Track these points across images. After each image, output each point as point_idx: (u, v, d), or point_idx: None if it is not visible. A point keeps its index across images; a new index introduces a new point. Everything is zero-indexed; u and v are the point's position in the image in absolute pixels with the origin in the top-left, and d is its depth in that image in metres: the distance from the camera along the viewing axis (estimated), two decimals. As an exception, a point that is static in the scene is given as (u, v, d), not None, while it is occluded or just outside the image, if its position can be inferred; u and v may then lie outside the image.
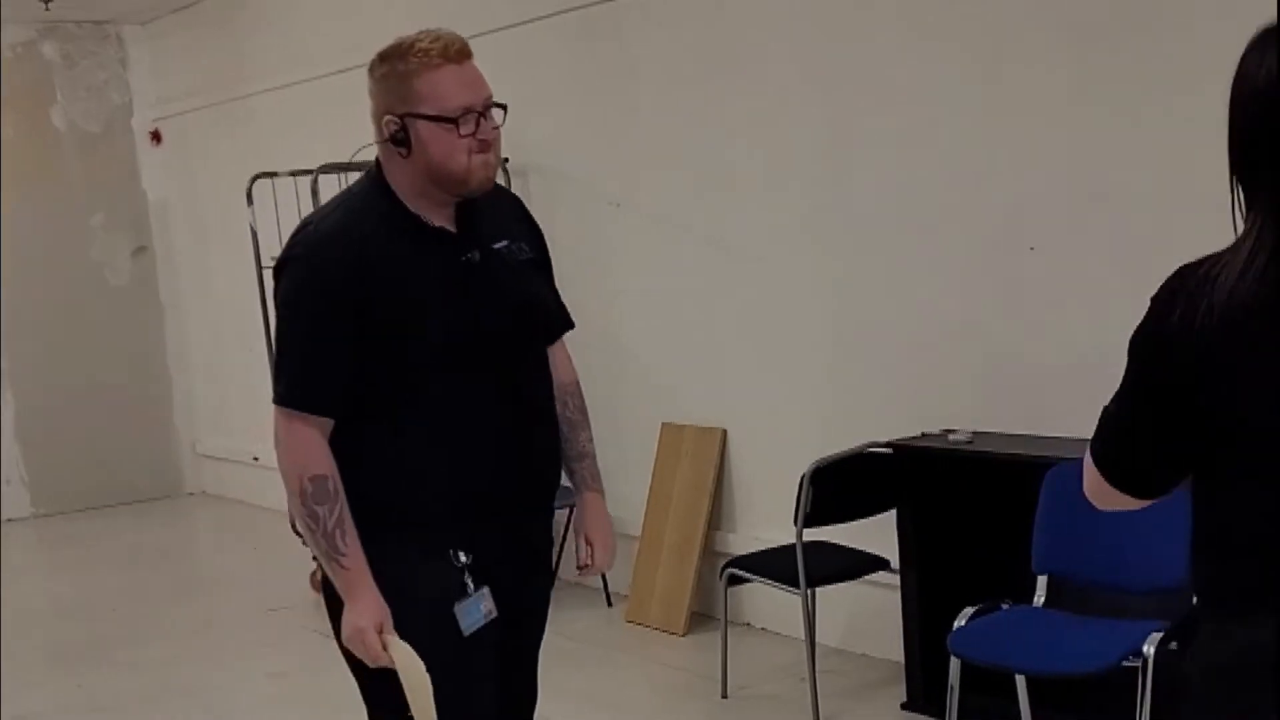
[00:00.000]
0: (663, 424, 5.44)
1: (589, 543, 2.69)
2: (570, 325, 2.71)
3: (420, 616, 2.39)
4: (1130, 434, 1.69)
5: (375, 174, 2.47)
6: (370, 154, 2.53)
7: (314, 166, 5.77)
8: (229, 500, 8.63)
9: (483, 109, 2.39)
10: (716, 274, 5.21)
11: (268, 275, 6.00)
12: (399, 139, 2.38)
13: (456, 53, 2.37)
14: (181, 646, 5.61)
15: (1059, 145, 4.07)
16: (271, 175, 6.21)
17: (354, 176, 4.79)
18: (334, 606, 2.43)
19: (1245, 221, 1.64)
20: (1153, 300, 1.65)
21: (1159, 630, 3.28)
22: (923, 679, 4.21)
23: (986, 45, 4.21)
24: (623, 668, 5.01)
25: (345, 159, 5.76)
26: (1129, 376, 1.68)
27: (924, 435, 4.28)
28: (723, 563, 4.56)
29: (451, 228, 2.46)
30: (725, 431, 5.28)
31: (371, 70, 2.42)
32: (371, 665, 2.36)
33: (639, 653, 5.13)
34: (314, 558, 6.02)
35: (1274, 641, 1.61)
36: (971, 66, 4.26)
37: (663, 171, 5.39)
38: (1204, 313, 1.57)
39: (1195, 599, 1.72)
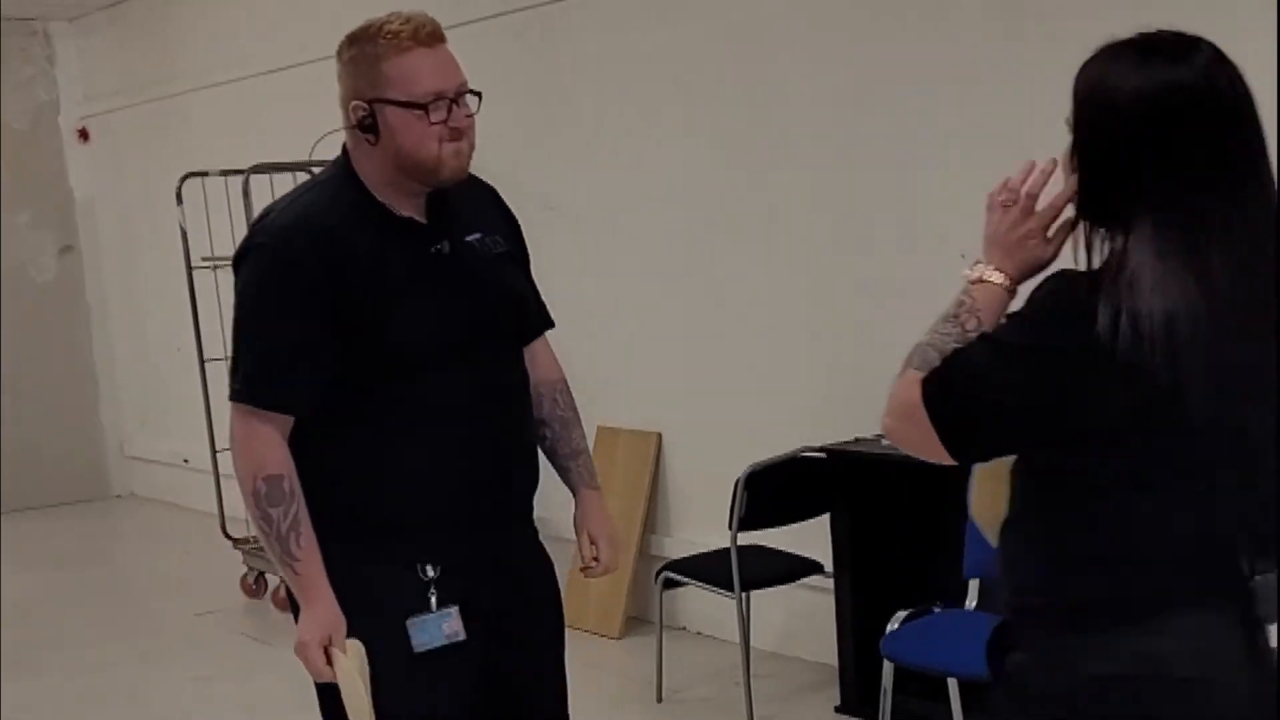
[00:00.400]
0: (598, 427, 5.43)
1: (593, 541, 2.59)
2: (549, 324, 2.61)
3: (378, 630, 2.28)
4: (999, 412, 1.67)
5: (343, 162, 2.36)
6: (326, 152, 2.46)
7: (245, 166, 5.71)
8: (159, 503, 8.50)
9: (455, 95, 2.28)
10: (651, 278, 5.21)
11: (198, 275, 5.99)
12: (367, 125, 2.27)
13: (428, 35, 2.26)
14: (108, 651, 5.52)
15: (987, 151, 4.10)
16: (202, 175, 6.14)
17: (288, 176, 4.70)
18: (299, 612, 2.32)
19: (1122, 233, 1.64)
20: (1057, 305, 1.66)
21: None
22: (856, 682, 4.23)
23: (917, 49, 4.24)
24: (557, 672, 4.98)
25: (277, 159, 5.71)
26: (1025, 363, 1.65)
27: (858, 440, 4.30)
28: (658, 566, 4.56)
29: (420, 218, 2.35)
30: (660, 435, 5.28)
31: (339, 53, 2.31)
32: (316, 680, 2.27)
33: (574, 657, 4.99)
34: (246, 562, 5.99)
35: (1172, 650, 1.63)
36: (900, 68, 4.29)
37: (597, 175, 5.38)
38: (1127, 321, 1.57)
39: (1063, 612, 1.71)
